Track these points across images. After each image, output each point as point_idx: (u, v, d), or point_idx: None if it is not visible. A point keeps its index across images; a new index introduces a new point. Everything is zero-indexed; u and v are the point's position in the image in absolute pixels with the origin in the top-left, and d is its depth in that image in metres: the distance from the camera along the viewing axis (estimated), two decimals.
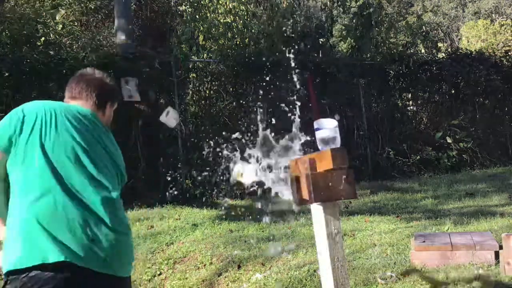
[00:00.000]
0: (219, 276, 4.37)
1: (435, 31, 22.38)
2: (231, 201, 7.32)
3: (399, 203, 6.60)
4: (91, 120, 2.09)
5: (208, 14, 10.51)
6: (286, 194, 2.03)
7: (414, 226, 5.05)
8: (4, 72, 6.46)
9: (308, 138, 2.05)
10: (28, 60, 6.65)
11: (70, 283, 1.81)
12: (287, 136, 2.07)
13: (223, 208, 6.58)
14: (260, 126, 2.09)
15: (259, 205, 2.51)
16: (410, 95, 10.37)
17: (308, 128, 2.07)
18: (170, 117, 6.60)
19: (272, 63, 8.51)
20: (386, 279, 3.58)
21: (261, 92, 8.45)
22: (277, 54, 8.73)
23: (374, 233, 4.83)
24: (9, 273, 1.84)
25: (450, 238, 3.84)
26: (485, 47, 11.28)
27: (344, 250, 2.32)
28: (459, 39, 22.44)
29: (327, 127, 2.39)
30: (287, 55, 9.00)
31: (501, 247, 3.48)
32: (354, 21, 10.25)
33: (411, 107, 10.47)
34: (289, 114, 2.10)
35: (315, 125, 2.41)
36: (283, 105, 2.33)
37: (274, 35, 9.75)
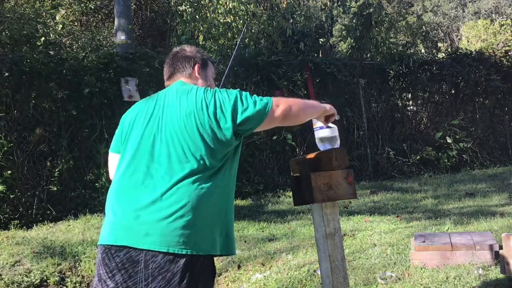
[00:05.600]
0: (219, 276, 4.37)
1: (435, 31, 22.39)
2: None
3: (399, 203, 6.59)
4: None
5: (208, 14, 10.49)
6: None
7: (414, 226, 5.04)
8: (4, 72, 6.44)
9: None
10: (28, 60, 6.63)
11: None
12: None
13: None
14: None
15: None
16: (410, 95, 10.35)
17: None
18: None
19: (272, 63, 8.50)
20: (386, 279, 3.58)
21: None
22: (277, 54, 8.71)
23: (374, 233, 4.83)
24: None
25: (450, 238, 3.84)
26: (485, 47, 11.23)
27: (344, 250, 2.32)
28: (459, 39, 22.44)
29: (327, 127, 2.38)
30: (287, 55, 9.01)
31: (501, 247, 3.47)
32: (354, 21, 10.24)
33: (411, 107, 10.46)
34: None
35: (315, 125, 2.41)
36: None
37: (274, 35, 9.73)
